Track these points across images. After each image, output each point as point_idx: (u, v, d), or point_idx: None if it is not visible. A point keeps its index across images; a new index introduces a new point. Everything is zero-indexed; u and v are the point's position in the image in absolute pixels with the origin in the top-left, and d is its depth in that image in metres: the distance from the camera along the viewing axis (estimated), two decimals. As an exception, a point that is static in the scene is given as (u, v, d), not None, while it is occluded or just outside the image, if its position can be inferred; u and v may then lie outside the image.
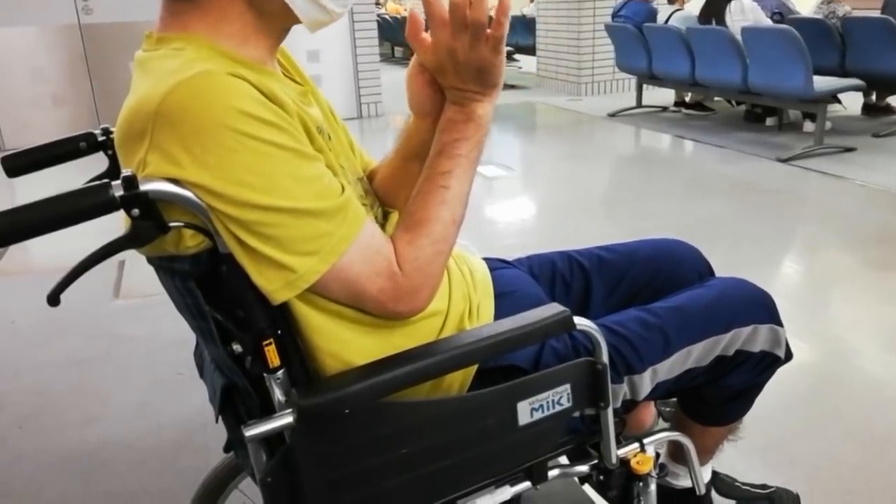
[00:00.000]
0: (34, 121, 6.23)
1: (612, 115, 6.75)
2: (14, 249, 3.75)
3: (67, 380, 2.46)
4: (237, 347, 0.92)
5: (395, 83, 8.65)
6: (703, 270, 1.38)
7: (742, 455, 1.75)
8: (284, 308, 0.91)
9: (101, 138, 1.15)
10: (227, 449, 1.14)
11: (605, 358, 1.03)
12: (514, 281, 1.26)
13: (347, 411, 0.90)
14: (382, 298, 0.93)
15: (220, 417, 1.06)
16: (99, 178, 1.11)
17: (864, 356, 2.40)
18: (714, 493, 1.42)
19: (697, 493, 1.27)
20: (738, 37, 5.23)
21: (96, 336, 2.77)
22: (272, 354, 0.90)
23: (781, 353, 1.23)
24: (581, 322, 0.99)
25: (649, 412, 1.54)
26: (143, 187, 0.80)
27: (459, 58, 0.96)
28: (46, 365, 2.57)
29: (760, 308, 1.22)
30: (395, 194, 1.17)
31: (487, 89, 0.99)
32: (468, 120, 0.99)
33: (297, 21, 0.96)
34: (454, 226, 0.98)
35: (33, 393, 2.39)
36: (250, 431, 0.88)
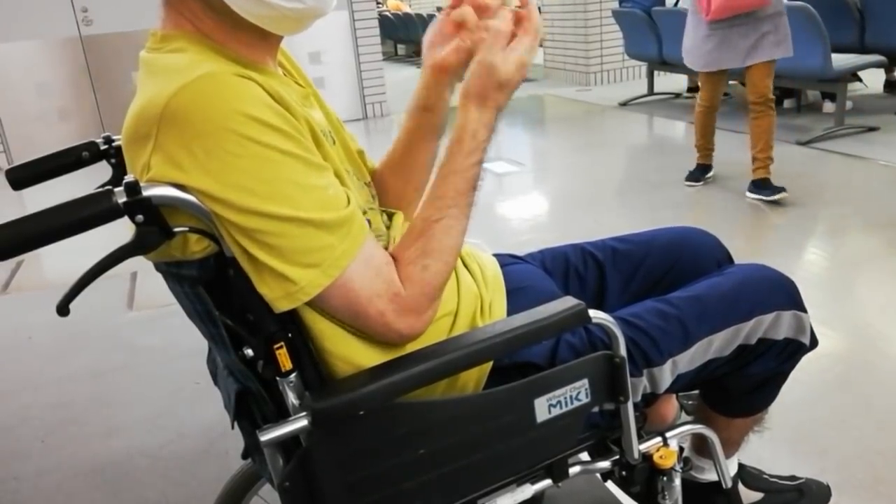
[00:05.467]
0: (41, 135, 6.25)
1: (624, 105, 6.69)
2: (28, 265, 3.79)
3: (87, 392, 2.48)
4: (249, 352, 0.91)
5: (399, 82, 8.60)
6: (721, 258, 1.35)
7: (769, 446, 1.72)
8: (293, 312, 0.90)
9: (103, 147, 1.15)
10: (245, 455, 1.14)
11: (623, 351, 1.01)
12: (527, 276, 1.25)
13: (362, 413, 0.89)
14: (382, 320, 0.91)
15: (236, 424, 1.05)
16: (102, 186, 1.11)
17: (894, 342, 2.35)
18: (741, 487, 1.39)
19: (724, 486, 1.25)
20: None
21: (113, 348, 2.79)
22: (284, 358, 0.90)
23: (806, 340, 1.20)
24: (596, 315, 0.98)
25: (671, 405, 1.52)
26: (146, 193, 0.80)
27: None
28: (65, 378, 2.59)
29: (783, 294, 1.19)
30: (402, 182, 1.18)
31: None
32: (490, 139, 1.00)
33: (245, 18, 0.91)
34: (455, 251, 0.98)
35: (54, 406, 2.41)
36: (266, 436, 0.88)
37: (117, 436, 2.19)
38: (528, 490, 1.08)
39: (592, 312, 0.97)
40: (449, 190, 0.97)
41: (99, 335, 2.88)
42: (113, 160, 1.14)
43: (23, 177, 1.13)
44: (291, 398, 0.91)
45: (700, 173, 4.12)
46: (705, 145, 4.12)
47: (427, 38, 1.15)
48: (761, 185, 3.71)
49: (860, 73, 5.47)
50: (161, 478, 1.97)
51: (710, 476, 1.32)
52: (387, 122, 6.99)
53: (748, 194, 3.75)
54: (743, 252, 1.37)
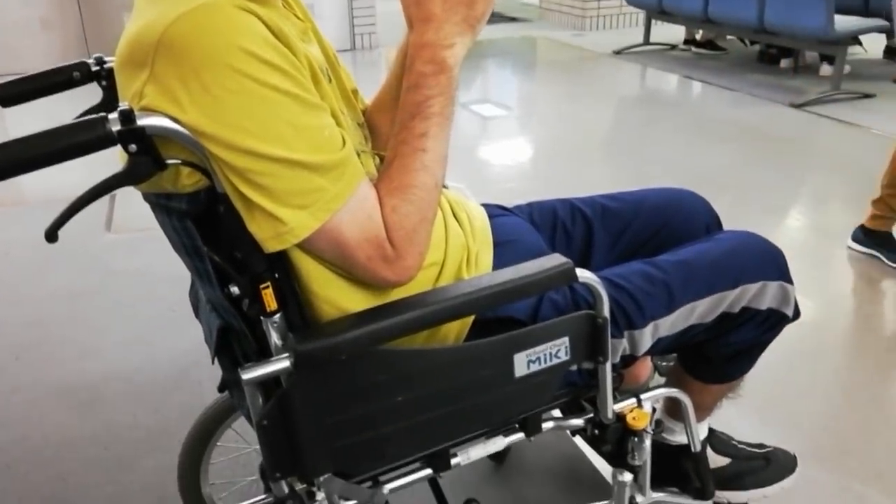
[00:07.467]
0: (23, 45, 6.06)
1: (618, 53, 6.58)
2: (7, 181, 3.71)
3: (63, 312, 2.47)
4: (234, 290, 0.91)
5: (389, 13, 8.41)
6: (711, 223, 1.36)
7: (740, 413, 1.74)
8: (282, 253, 0.89)
9: (94, 68, 1.11)
10: (221, 389, 1.15)
11: (607, 312, 1.02)
12: (515, 229, 1.24)
13: (344, 357, 0.89)
14: (370, 266, 0.90)
15: (215, 358, 1.05)
16: (93, 109, 1.09)
17: (869, 315, 2.37)
18: (710, 451, 1.42)
19: (693, 450, 1.28)
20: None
21: (90, 269, 2.76)
22: (269, 298, 0.89)
23: (789, 312, 1.21)
24: (583, 274, 0.98)
25: (646, 366, 1.54)
26: (141, 122, 0.78)
27: None
28: (42, 297, 2.57)
29: (770, 264, 1.19)
30: (390, 122, 1.14)
31: (468, 28, 0.94)
32: (439, 72, 0.93)
33: None
34: (436, 189, 0.95)
35: (30, 324, 2.40)
36: (247, 375, 0.88)
37: (91, 358, 2.20)
38: (501, 442, 1.10)
39: (579, 272, 0.97)
40: (399, 127, 0.95)
41: (76, 256, 2.85)
42: (104, 82, 1.11)
43: (12, 94, 1.10)
44: (275, 338, 0.91)
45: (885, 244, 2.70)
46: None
47: None
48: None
49: (861, 38, 5.39)
50: (134, 402, 1.98)
51: (680, 438, 1.34)
52: (375, 55, 6.82)
53: (889, 263, 2.64)
54: (724, 215, 1.38)
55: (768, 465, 1.45)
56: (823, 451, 1.72)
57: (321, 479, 0.97)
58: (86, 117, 0.78)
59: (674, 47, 6.74)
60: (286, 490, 0.99)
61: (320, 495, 0.99)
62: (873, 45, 5.85)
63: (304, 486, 0.99)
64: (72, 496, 1.67)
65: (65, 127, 0.78)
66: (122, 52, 0.85)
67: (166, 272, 2.55)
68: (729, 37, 6.52)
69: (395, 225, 0.91)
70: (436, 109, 0.93)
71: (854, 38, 5.19)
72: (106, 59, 1.10)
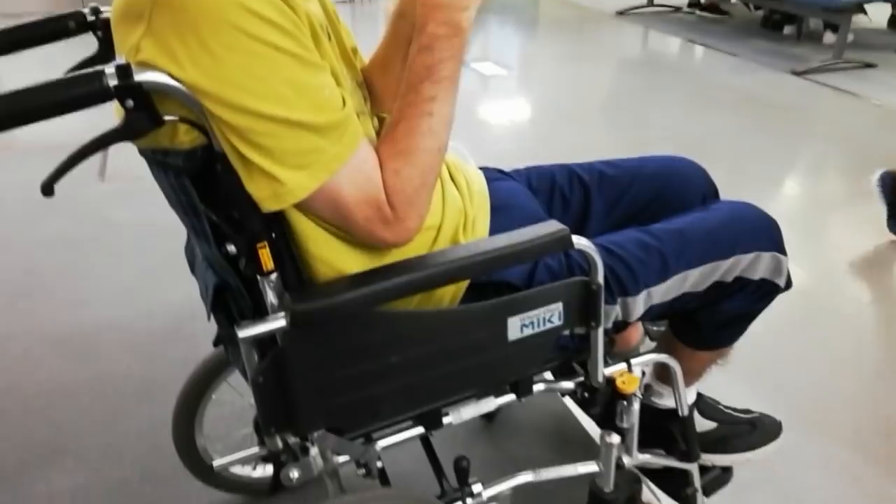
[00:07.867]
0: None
1: (621, 14, 6.51)
2: None
3: (57, 261, 2.47)
4: (231, 248, 0.91)
5: (391, -36, 8.19)
6: (708, 192, 1.36)
7: (728, 379, 1.76)
8: (279, 213, 0.89)
9: (90, 18, 1.09)
10: (216, 343, 1.15)
11: (601, 278, 1.02)
12: (512, 194, 1.24)
13: (339, 318, 0.90)
14: (369, 227, 0.90)
15: (211, 315, 1.06)
16: (88, 61, 1.07)
17: (859, 286, 2.39)
18: (697, 415, 1.44)
19: (680, 414, 1.29)
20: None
21: (84, 218, 2.75)
22: (266, 257, 0.90)
23: (782, 282, 1.22)
24: (579, 241, 0.98)
25: (637, 331, 1.55)
26: (138, 78, 0.77)
27: None
28: (36, 244, 2.57)
29: (765, 235, 1.20)
30: (391, 80, 1.13)
31: None
32: (453, 35, 0.92)
33: None
34: (440, 153, 0.94)
35: (23, 272, 2.40)
36: (243, 333, 0.88)
37: (86, 307, 2.20)
38: (492, 403, 1.11)
39: (575, 239, 0.97)
40: (406, 89, 0.94)
41: (70, 203, 2.83)
42: (99, 33, 1.08)
43: (4, 43, 1.08)
44: (271, 297, 0.92)
45: None
46: None
47: None
48: None
49: (866, 6, 5.33)
50: (128, 352, 1.99)
51: (668, 402, 1.36)
52: (374, 7, 6.69)
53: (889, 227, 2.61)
54: (721, 182, 1.38)
55: (754, 430, 1.47)
56: (808, 418, 1.76)
57: (315, 434, 0.99)
58: (82, 71, 0.77)
59: (678, 10, 6.65)
60: (280, 444, 1.00)
61: (314, 450, 1.01)
62: (878, 13, 5.79)
63: (298, 440, 1.00)
64: (67, 443, 1.69)
65: (61, 81, 0.77)
66: (119, 4, 0.83)
67: (161, 223, 2.52)
68: (733, 0, 6.45)
69: (397, 188, 0.90)
70: (446, 73, 0.92)
71: (859, 7, 5.13)
72: (102, 8, 1.07)
